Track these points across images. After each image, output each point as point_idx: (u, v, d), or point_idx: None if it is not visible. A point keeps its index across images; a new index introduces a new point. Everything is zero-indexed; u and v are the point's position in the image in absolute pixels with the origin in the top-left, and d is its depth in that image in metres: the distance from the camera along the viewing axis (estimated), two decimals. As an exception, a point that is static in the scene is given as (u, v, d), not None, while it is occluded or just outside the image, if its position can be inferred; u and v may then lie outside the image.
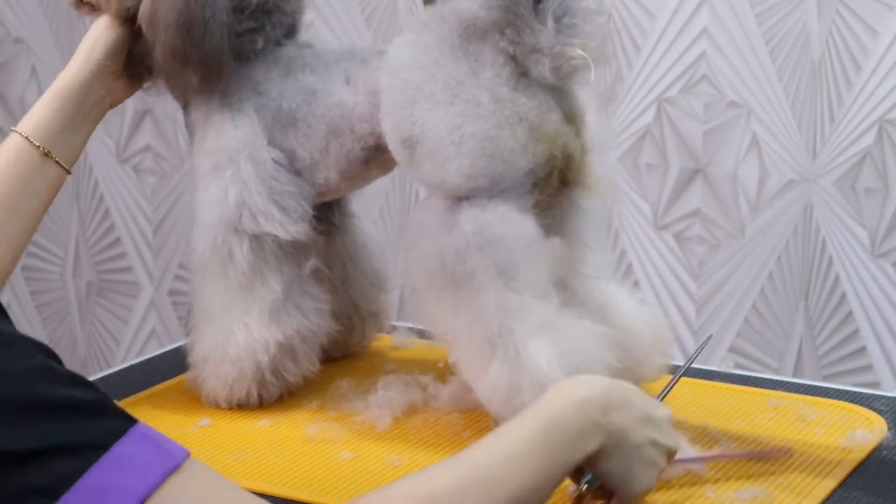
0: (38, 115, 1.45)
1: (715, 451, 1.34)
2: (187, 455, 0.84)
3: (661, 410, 1.19)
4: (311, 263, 1.50)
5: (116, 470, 0.79)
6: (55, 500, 0.78)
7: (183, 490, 0.82)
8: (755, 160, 2.01)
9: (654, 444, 1.16)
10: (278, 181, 1.48)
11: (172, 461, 0.82)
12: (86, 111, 1.47)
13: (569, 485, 1.19)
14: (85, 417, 0.81)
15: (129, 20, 1.47)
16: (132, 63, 1.51)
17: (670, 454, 1.19)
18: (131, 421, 0.82)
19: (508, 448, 1.04)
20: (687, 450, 1.32)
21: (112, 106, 1.52)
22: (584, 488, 1.18)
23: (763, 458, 1.33)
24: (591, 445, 1.10)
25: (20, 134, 1.44)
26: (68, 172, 1.47)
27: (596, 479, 1.17)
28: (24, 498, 0.78)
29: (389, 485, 0.99)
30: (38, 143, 1.43)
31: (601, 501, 1.19)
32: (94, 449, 0.79)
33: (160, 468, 0.81)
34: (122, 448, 0.80)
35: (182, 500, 0.81)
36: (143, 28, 1.46)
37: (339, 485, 1.32)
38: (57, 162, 1.45)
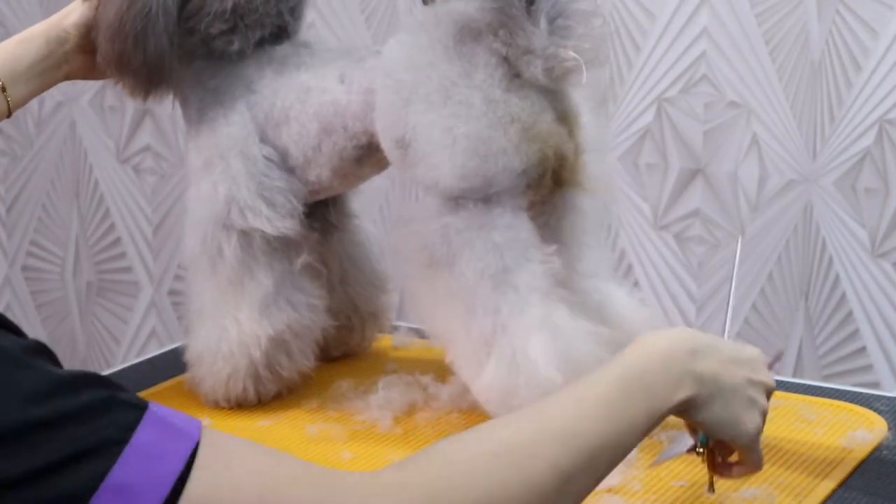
0: (3, 50, 1.48)
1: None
2: (202, 428, 0.84)
3: (749, 349, 1.15)
4: (303, 259, 1.50)
5: (137, 463, 0.80)
6: None
7: (206, 469, 0.82)
8: (755, 160, 2.01)
9: (751, 382, 1.12)
10: (268, 177, 1.48)
11: (190, 441, 0.83)
12: (41, 67, 1.49)
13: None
14: (97, 416, 0.81)
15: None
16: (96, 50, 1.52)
17: (768, 391, 1.15)
18: (142, 408, 0.83)
19: (585, 399, 1.01)
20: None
21: (67, 78, 1.54)
22: (699, 450, 1.17)
23: None
24: (681, 394, 1.06)
25: None
26: (7, 116, 1.48)
27: (707, 437, 1.15)
28: None
29: (463, 433, 0.95)
30: None
31: (727, 457, 1.17)
32: (113, 445, 0.80)
33: (180, 451, 0.82)
34: (140, 438, 0.81)
35: (206, 482, 0.82)
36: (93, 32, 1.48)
37: (339, 485, 1.31)
38: (6, 98, 1.47)
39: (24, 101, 1.50)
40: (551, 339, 1.33)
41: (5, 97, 1.47)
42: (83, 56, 1.51)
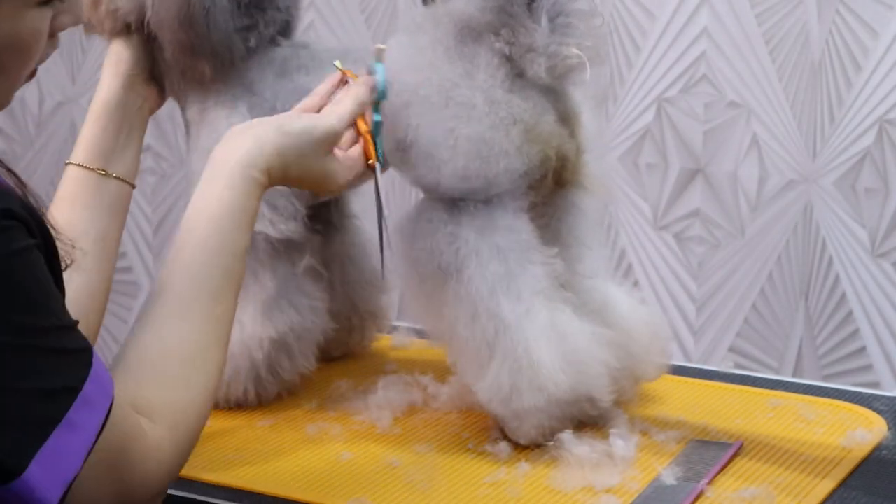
0: (86, 140, 1.45)
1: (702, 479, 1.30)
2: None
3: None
4: (306, 262, 1.50)
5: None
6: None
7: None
8: (755, 160, 2.01)
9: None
10: None
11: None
12: (129, 123, 1.48)
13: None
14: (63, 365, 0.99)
15: (137, 31, 1.48)
16: (159, 69, 1.51)
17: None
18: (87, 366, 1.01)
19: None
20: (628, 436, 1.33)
21: (151, 112, 1.53)
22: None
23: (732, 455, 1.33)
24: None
25: (75, 164, 1.45)
26: (132, 186, 1.47)
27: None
28: None
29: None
30: (93, 167, 1.44)
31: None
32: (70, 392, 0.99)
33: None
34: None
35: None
36: (154, 31, 1.47)
37: (339, 485, 1.31)
38: (117, 178, 1.45)
39: (136, 164, 1.48)
40: (553, 340, 1.33)
41: (113, 177, 1.45)
42: (152, 86, 1.51)
